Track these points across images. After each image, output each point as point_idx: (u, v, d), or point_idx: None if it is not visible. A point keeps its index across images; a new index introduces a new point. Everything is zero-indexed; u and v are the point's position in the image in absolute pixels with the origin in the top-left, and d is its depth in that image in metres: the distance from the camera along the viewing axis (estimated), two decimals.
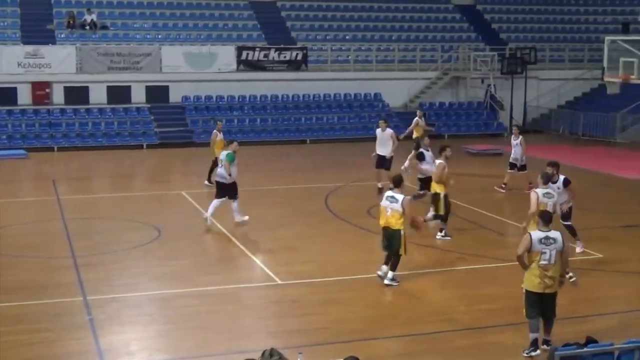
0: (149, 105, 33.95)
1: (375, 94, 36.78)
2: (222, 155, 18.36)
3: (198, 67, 34.78)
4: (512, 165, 22.44)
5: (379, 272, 14.06)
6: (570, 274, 13.23)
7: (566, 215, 15.54)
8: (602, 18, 43.81)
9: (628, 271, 15.12)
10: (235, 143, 18.70)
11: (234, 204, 18.22)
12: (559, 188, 15.02)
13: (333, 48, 38.08)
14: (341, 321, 12.24)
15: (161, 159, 30.03)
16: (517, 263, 11.09)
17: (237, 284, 14.17)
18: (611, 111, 34.29)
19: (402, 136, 24.97)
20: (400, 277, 14.33)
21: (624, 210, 19.85)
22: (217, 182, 18.43)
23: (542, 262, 10.68)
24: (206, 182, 22.83)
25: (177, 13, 38.47)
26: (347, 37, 39.20)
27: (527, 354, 10.89)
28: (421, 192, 19.28)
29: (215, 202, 18.19)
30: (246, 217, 18.36)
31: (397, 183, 13.94)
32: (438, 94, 37.87)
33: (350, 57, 37.81)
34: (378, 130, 22.33)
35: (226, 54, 35.38)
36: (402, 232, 13.68)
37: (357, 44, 38.61)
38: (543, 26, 43.22)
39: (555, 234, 10.77)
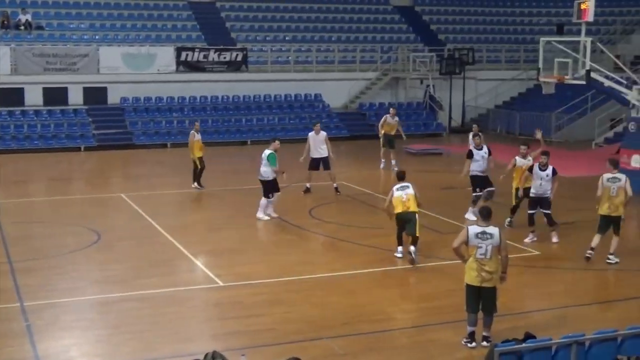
0: (86, 107, 33.47)
1: (316, 95, 36.87)
2: (265, 154, 18.94)
3: (137, 68, 34.40)
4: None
5: (409, 252, 15.25)
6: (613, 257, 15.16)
7: (547, 205, 16.75)
8: (537, 19, 44.61)
9: (564, 267, 15.44)
10: (277, 142, 19.29)
11: (263, 200, 18.93)
12: (547, 176, 16.54)
13: (273, 49, 38.04)
14: (284, 322, 12.25)
15: (100, 161, 29.64)
16: (457, 261, 11.30)
17: (178, 287, 14.07)
18: (546, 111, 34.94)
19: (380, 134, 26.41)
20: (342, 277, 14.45)
21: (559, 208, 20.21)
22: (260, 180, 19.11)
23: (479, 256, 10.94)
24: (194, 185, 22.74)
25: (115, 13, 37.99)
26: (287, 38, 39.21)
27: (464, 342, 11.24)
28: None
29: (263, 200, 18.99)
30: (267, 217, 18.84)
31: (402, 176, 15.90)
32: (378, 94, 38.13)
33: (290, 58, 37.83)
34: (312, 134, 22.40)
35: (165, 55, 35.07)
36: (417, 216, 15.42)
37: (297, 44, 38.64)
38: (480, 27, 43.83)
39: (492, 229, 10.98)
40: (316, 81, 37.00)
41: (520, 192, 17.60)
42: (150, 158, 30.14)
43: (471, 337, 11.20)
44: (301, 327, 12.02)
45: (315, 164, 22.30)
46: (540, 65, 23.41)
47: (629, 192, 15.24)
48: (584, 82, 22.27)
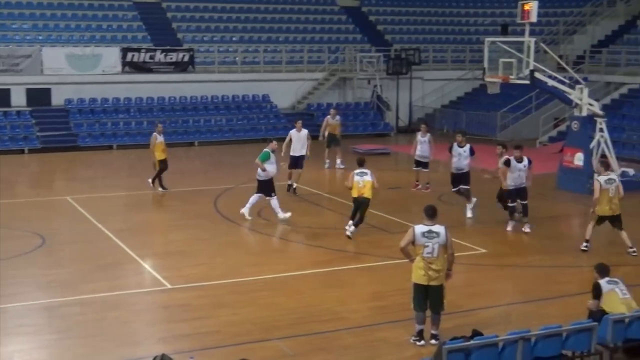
0: (30, 109, 32.89)
1: (263, 96, 36.79)
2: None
3: (81, 69, 33.93)
4: (419, 163, 22.84)
5: (349, 231, 17.16)
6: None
7: (524, 195, 17.81)
8: (482, 20, 45.12)
9: (509, 264, 15.66)
10: (274, 142, 19.28)
11: (274, 201, 18.66)
12: (524, 167, 17.64)
13: (220, 49, 37.87)
14: (232, 324, 12.20)
15: (44, 164, 29.18)
16: (405, 260, 11.38)
17: (125, 290, 13.92)
18: (492, 110, 35.38)
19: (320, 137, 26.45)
20: (290, 278, 14.48)
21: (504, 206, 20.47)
22: (257, 179, 18.95)
23: (426, 255, 11.01)
24: (160, 188, 22.39)
25: (59, 13, 37.41)
26: (234, 39, 39.05)
27: (412, 341, 11.32)
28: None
29: (254, 197, 18.88)
30: (288, 214, 18.67)
31: (362, 162, 17.59)
32: (326, 94, 38.20)
33: (237, 58, 37.69)
34: (293, 132, 22.41)
35: (110, 56, 34.65)
36: (369, 202, 17.15)
37: (244, 45, 38.52)
38: (426, 28, 44.19)
39: (438, 228, 11.07)
40: (264, 82, 36.93)
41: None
42: (96, 160, 29.77)
43: (420, 335, 11.29)
44: (249, 329, 11.99)
45: (296, 161, 22.18)
46: (486, 65, 23.63)
47: (622, 189, 16.12)
48: (528, 82, 22.55)
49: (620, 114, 31.54)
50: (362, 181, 17.16)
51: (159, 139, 22.50)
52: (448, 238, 11.12)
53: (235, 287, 14.11)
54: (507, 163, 17.96)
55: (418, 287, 11.21)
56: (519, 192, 17.94)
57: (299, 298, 13.54)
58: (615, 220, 16.09)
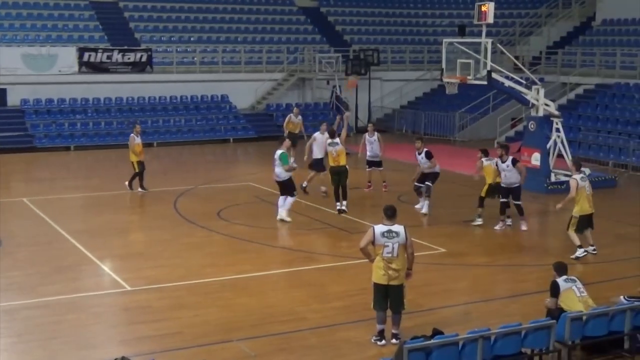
0: None
1: (222, 96, 36.68)
2: (277, 154, 18.53)
3: (37, 69, 33.54)
4: (372, 163, 22.74)
5: (341, 207, 19.47)
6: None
7: (517, 195, 18.25)
8: (439, 21, 45.45)
9: (468, 264, 15.81)
10: (287, 140, 19.33)
11: (289, 199, 18.68)
12: (508, 166, 17.95)
13: (178, 49, 37.69)
14: (193, 325, 12.16)
15: (0, 165, 28.74)
16: (366, 260, 11.44)
17: (84, 292, 13.79)
18: (450, 110, 35.69)
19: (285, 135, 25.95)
20: (250, 279, 14.48)
21: (463, 206, 20.69)
22: (276, 181, 18.92)
23: (386, 254, 11.05)
24: (139, 189, 22.23)
25: (14, 13, 36.88)
26: (192, 39, 38.88)
27: (373, 341, 11.37)
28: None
29: (280, 199, 18.87)
30: (289, 219, 18.60)
31: (333, 134, 19.36)
32: (285, 95, 38.23)
33: (195, 58, 37.54)
34: (317, 134, 21.51)
35: (67, 56, 34.29)
36: (347, 167, 19.16)
37: (203, 45, 38.37)
38: (385, 28, 44.39)
39: (398, 227, 11.12)
40: (222, 82, 36.81)
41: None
42: (53, 161, 29.44)
43: (381, 335, 11.34)
44: (210, 330, 11.95)
45: (318, 164, 21.47)
46: (444, 65, 23.80)
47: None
48: (485, 83, 22.77)
49: (576, 114, 32.00)
50: (335, 151, 19.16)
51: (136, 140, 22.25)
52: (408, 238, 11.18)
53: (196, 288, 14.06)
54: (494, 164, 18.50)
55: (378, 287, 11.25)
56: (512, 191, 18.31)
57: (260, 299, 13.52)
58: (591, 218, 16.16)
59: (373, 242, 11.16)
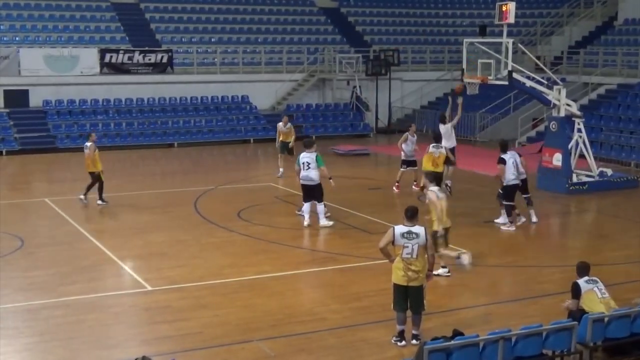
0: (7, 110, 32.71)
1: (243, 97, 36.76)
2: (308, 158, 18.17)
3: (59, 70, 33.77)
4: (409, 163, 23.04)
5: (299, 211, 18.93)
6: (446, 269, 14.39)
7: (525, 188, 18.76)
8: (460, 21, 45.32)
9: (489, 264, 15.73)
10: (315, 143, 18.97)
11: (320, 207, 18.36)
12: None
13: (199, 50, 37.81)
14: (213, 325, 12.19)
15: (22, 165, 28.99)
16: (386, 261, 11.42)
17: (106, 292, 13.86)
18: (471, 111, 35.50)
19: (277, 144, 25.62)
20: (270, 279, 14.51)
21: (484, 207, 20.62)
22: (303, 185, 18.44)
23: (405, 255, 11.02)
24: (99, 201, 20.97)
25: (36, 14, 37.19)
26: (212, 39, 38.98)
27: (393, 341, 11.34)
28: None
29: (306, 206, 18.47)
30: (331, 222, 18.42)
31: (309, 145, 18.41)
32: (305, 95, 38.24)
33: (216, 59, 37.65)
34: (408, 134, 22.81)
35: (89, 57, 34.51)
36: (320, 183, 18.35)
37: (223, 46, 38.47)
38: (405, 29, 44.31)
39: (418, 229, 11.09)
40: (243, 83, 36.91)
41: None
42: (74, 162, 29.55)
43: (401, 335, 11.31)
44: (230, 330, 11.98)
45: (411, 163, 22.72)
46: (464, 66, 23.73)
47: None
48: (506, 83, 22.65)
49: (598, 114, 31.78)
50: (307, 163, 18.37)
51: (96, 149, 21.05)
52: (428, 239, 11.16)
53: (216, 288, 14.09)
54: (502, 161, 18.28)
55: (398, 288, 11.23)
56: (521, 186, 18.59)
57: (279, 299, 13.54)
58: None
59: (393, 243, 11.14)
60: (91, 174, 20.95)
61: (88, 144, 21.13)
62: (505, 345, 9.61)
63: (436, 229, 14.09)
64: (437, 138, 20.67)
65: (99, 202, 20.98)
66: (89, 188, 20.94)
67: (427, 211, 14.25)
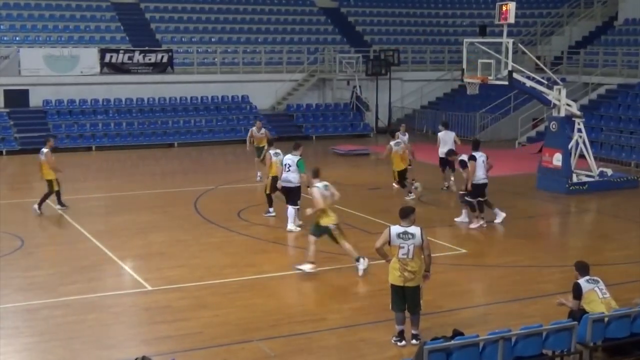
0: (7, 110, 32.74)
1: (243, 97, 36.76)
2: (290, 160, 18.04)
3: (59, 70, 33.78)
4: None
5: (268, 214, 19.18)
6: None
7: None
8: (460, 21, 45.32)
9: (489, 264, 15.74)
10: (302, 147, 18.74)
11: (291, 210, 18.10)
12: (483, 162, 18.25)
13: (199, 50, 37.82)
14: (213, 325, 12.19)
15: (22, 165, 28.97)
16: (384, 261, 11.41)
17: (105, 292, 13.85)
18: (471, 111, 35.54)
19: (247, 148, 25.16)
20: (269, 279, 14.49)
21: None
22: (282, 187, 18.21)
23: (401, 256, 11.01)
24: (58, 207, 20.26)
25: (36, 14, 37.21)
26: (212, 39, 38.99)
27: (393, 341, 11.34)
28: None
29: (290, 209, 18.08)
30: (298, 228, 17.98)
31: (296, 148, 18.25)
32: (305, 95, 38.25)
33: (216, 59, 37.66)
34: (441, 133, 22.93)
35: (89, 57, 34.52)
36: (300, 186, 18.11)
37: (223, 46, 38.47)
38: (405, 29, 44.31)
39: (414, 229, 11.07)
40: (243, 82, 36.93)
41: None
42: (74, 161, 29.58)
43: (400, 335, 11.30)
44: (230, 330, 11.97)
45: (444, 162, 22.38)
46: (465, 66, 23.73)
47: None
48: (506, 83, 22.65)
49: (598, 114, 31.77)
50: (279, 160, 18.69)
51: (52, 156, 20.23)
52: (424, 239, 11.11)
53: (215, 288, 14.09)
54: (473, 158, 18.20)
55: (394, 288, 11.21)
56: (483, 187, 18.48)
57: (279, 299, 13.54)
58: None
59: (389, 243, 11.12)
60: (48, 181, 19.99)
61: (45, 150, 20.21)
62: (505, 345, 9.60)
63: (325, 224, 14.41)
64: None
65: (58, 207, 20.17)
66: (45, 198, 20.00)
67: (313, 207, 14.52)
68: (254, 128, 25.16)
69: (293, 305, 13.21)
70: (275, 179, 18.75)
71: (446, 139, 22.58)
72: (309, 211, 14.99)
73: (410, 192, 21.24)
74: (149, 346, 11.22)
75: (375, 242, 11.34)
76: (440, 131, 23.18)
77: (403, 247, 10.99)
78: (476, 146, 18.70)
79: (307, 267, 14.61)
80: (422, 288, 11.29)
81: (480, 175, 18.20)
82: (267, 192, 19.32)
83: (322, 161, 27.68)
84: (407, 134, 23.88)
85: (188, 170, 27.72)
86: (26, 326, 12.32)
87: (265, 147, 23.34)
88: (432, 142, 21.01)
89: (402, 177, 21.37)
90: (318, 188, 14.60)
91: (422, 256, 11.17)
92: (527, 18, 42.62)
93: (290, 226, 18.10)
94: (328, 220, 14.52)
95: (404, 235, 11.02)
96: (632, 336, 10.56)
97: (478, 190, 18.27)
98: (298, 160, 18.04)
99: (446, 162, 21.86)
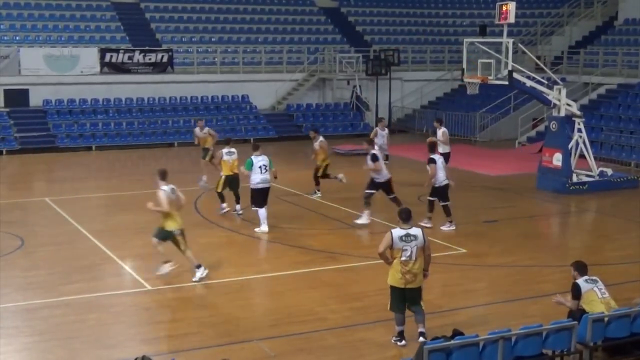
0: (7, 110, 32.73)
1: (243, 96, 36.76)
2: (264, 161, 18.06)
3: (59, 69, 33.78)
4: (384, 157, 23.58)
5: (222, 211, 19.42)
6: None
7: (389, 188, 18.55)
8: (460, 21, 45.32)
9: (488, 264, 15.74)
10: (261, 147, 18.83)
11: (264, 211, 17.99)
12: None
13: (199, 50, 37.81)
14: (213, 325, 12.19)
15: (22, 165, 28.99)
16: (382, 261, 11.39)
17: (105, 292, 13.85)
18: (471, 111, 35.53)
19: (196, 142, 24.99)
20: (269, 278, 14.50)
21: (484, 207, 20.62)
22: (261, 189, 18.05)
23: (403, 258, 10.93)
24: None
25: (36, 14, 37.21)
26: (212, 39, 38.99)
27: (393, 341, 11.33)
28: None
29: (262, 211, 18.00)
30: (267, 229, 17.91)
31: (257, 148, 18.43)
32: (305, 95, 38.25)
33: (216, 59, 37.65)
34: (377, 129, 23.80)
35: (89, 56, 34.52)
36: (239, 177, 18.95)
37: (223, 45, 38.47)
38: (405, 29, 44.31)
39: (415, 230, 11.04)
40: (243, 82, 36.93)
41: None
42: (74, 161, 29.63)
43: (400, 335, 11.28)
44: (230, 330, 11.98)
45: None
46: (464, 65, 23.74)
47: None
48: (506, 83, 22.65)
49: (598, 114, 31.77)
50: (232, 160, 19.07)
51: None
52: (426, 240, 11.09)
53: (215, 288, 14.09)
54: (433, 161, 18.01)
55: (395, 290, 11.14)
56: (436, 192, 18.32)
57: (279, 299, 13.54)
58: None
59: (391, 247, 11.01)
60: None
61: None
62: (505, 345, 9.60)
63: (170, 229, 14.13)
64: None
65: None
66: None
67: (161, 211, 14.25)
68: (196, 128, 24.33)
69: (293, 305, 13.20)
70: (228, 178, 19.14)
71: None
72: (150, 205, 14.41)
73: (317, 192, 21.80)
74: (148, 346, 11.22)
75: (378, 246, 11.16)
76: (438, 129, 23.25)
77: (406, 250, 10.91)
78: (432, 148, 18.36)
79: (166, 268, 14.35)
80: (422, 289, 11.27)
81: (441, 177, 18.03)
82: (219, 190, 19.46)
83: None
84: (386, 129, 24.83)
85: (188, 170, 27.65)
86: (26, 326, 12.33)
87: (211, 148, 23.33)
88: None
89: (324, 172, 21.79)
90: (165, 191, 14.26)
91: (423, 257, 11.14)
92: (527, 18, 42.62)
93: (265, 228, 17.92)
94: (173, 225, 14.21)
95: (406, 238, 10.95)
96: (632, 336, 10.56)
97: (442, 191, 18.14)
98: (248, 160, 18.12)
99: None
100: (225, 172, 19.27)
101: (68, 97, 33.90)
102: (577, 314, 10.64)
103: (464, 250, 16.52)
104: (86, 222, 18.81)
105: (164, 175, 14.53)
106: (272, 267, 15.33)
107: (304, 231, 18.17)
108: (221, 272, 14.97)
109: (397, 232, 11.01)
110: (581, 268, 11.15)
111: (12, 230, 18.03)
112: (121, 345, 11.51)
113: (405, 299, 11.14)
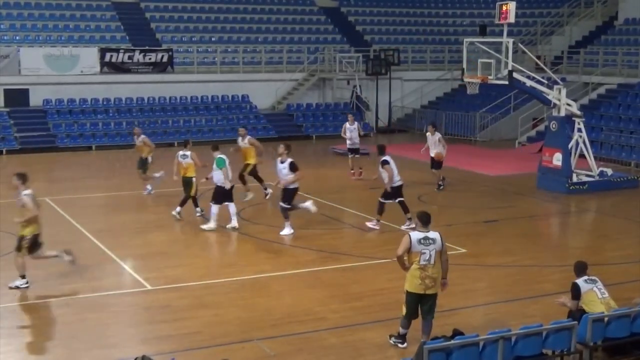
0: (7, 110, 32.73)
1: (243, 96, 36.76)
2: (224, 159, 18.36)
3: (59, 69, 33.78)
4: (352, 150, 25.13)
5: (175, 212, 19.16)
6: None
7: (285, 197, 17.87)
8: (460, 21, 45.32)
9: (489, 264, 15.73)
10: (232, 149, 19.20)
11: (215, 209, 18.19)
12: (285, 168, 17.67)
13: (199, 50, 37.81)
14: (213, 325, 12.19)
15: (22, 164, 28.82)
16: (385, 260, 11.35)
17: (105, 291, 13.85)
18: (471, 110, 35.54)
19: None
20: (270, 278, 14.47)
21: (484, 206, 20.62)
22: (231, 188, 18.32)
23: (422, 262, 10.72)
24: None
25: (36, 13, 37.21)
26: (212, 39, 38.99)
27: (393, 341, 11.25)
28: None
29: (215, 208, 18.15)
30: (214, 225, 18.01)
31: (186, 144, 19.54)
32: (305, 95, 38.25)
33: (216, 58, 37.65)
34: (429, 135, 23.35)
35: (89, 56, 34.52)
36: (194, 180, 19.14)
37: (224, 45, 38.47)
38: (405, 28, 44.31)
39: (434, 234, 10.84)
40: (243, 82, 36.94)
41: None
42: (74, 161, 29.62)
43: (403, 338, 11.15)
44: (229, 330, 11.97)
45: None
46: (465, 65, 23.74)
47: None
48: (506, 83, 22.66)
49: (598, 114, 31.77)
50: (185, 163, 19.20)
51: None
52: (444, 244, 10.89)
53: (215, 288, 14.09)
54: (387, 163, 17.91)
55: (412, 296, 10.88)
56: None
57: (279, 298, 13.53)
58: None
59: (409, 250, 10.79)
60: None
61: None
62: (505, 345, 9.60)
63: (26, 234, 13.95)
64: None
65: None
66: None
67: (20, 215, 14.08)
68: (134, 136, 23.43)
69: (293, 304, 13.20)
70: (188, 180, 19.23)
71: (434, 143, 22.90)
72: (17, 221, 14.20)
73: (247, 192, 21.26)
74: (148, 345, 11.22)
75: (396, 250, 10.95)
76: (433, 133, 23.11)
77: (425, 253, 10.70)
78: (382, 151, 18.19)
79: (68, 257, 14.44)
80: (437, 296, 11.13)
81: (396, 177, 17.97)
82: (192, 194, 19.41)
83: (322, 161, 27.78)
84: (356, 122, 25.59)
85: None
86: (26, 326, 12.33)
87: (149, 159, 22.69)
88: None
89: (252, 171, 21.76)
90: (31, 195, 14.17)
91: (441, 261, 10.97)
92: (527, 18, 42.62)
93: (212, 225, 18.06)
94: (32, 230, 14.04)
95: (424, 241, 10.76)
96: (632, 336, 10.57)
97: (397, 191, 18.07)
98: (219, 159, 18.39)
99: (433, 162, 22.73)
100: (187, 175, 19.32)
101: (68, 97, 33.90)
102: (577, 314, 10.65)
103: (464, 250, 16.51)
104: (86, 222, 18.81)
105: (24, 179, 14.39)
106: (272, 267, 15.32)
107: (304, 231, 18.16)
108: (221, 271, 14.97)
109: (416, 235, 10.82)
110: (581, 268, 11.15)
111: (12, 230, 17.96)
112: (121, 345, 11.51)
113: (421, 305, 10.92)
